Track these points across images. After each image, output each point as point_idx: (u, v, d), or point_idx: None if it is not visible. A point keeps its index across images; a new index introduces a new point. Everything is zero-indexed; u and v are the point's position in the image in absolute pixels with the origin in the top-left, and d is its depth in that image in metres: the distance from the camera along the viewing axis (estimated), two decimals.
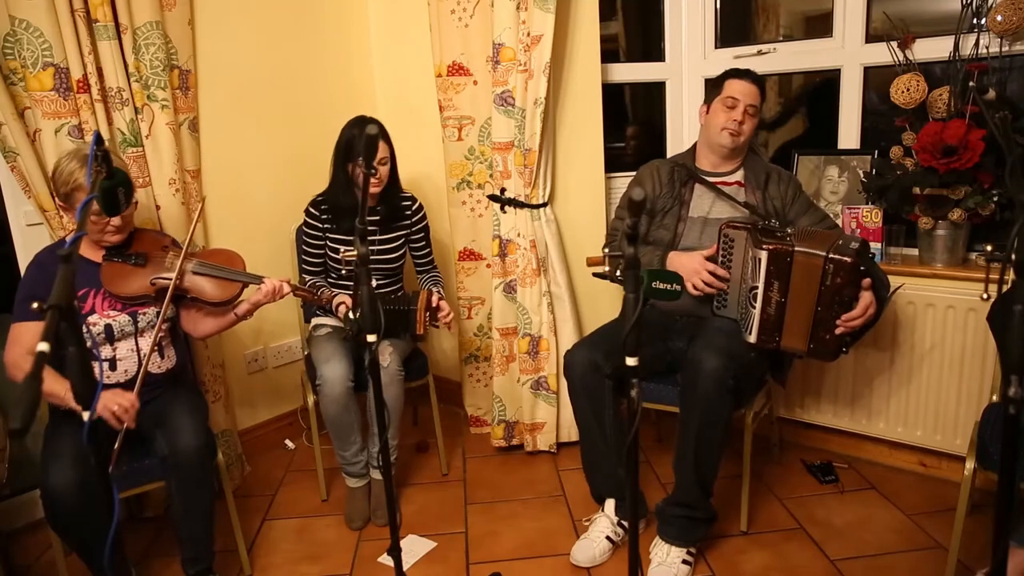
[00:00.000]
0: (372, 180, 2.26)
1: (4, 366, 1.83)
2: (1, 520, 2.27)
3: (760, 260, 1.91)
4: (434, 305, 2.27)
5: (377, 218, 2.38)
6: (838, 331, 1.89)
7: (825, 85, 2.58)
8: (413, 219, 2.48)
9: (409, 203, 2.47)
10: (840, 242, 1.87)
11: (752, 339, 1.98)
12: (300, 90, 2.84)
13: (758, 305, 1.94)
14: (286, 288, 2.05)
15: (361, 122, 2.32)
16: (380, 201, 2.38)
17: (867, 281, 1.87)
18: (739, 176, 2.20)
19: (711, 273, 2.03)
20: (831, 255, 1.84)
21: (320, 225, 2.38)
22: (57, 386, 1.71)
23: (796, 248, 1.88)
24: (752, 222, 2.02)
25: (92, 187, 1.33)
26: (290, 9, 2.79)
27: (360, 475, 2.35)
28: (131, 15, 2.18)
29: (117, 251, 1.94)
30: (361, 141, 2.25)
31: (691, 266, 2.05)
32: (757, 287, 1.94)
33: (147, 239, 2.02)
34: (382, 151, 2.27)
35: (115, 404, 1.72)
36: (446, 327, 2.34)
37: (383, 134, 2.27)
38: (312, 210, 2.39)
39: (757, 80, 2.14)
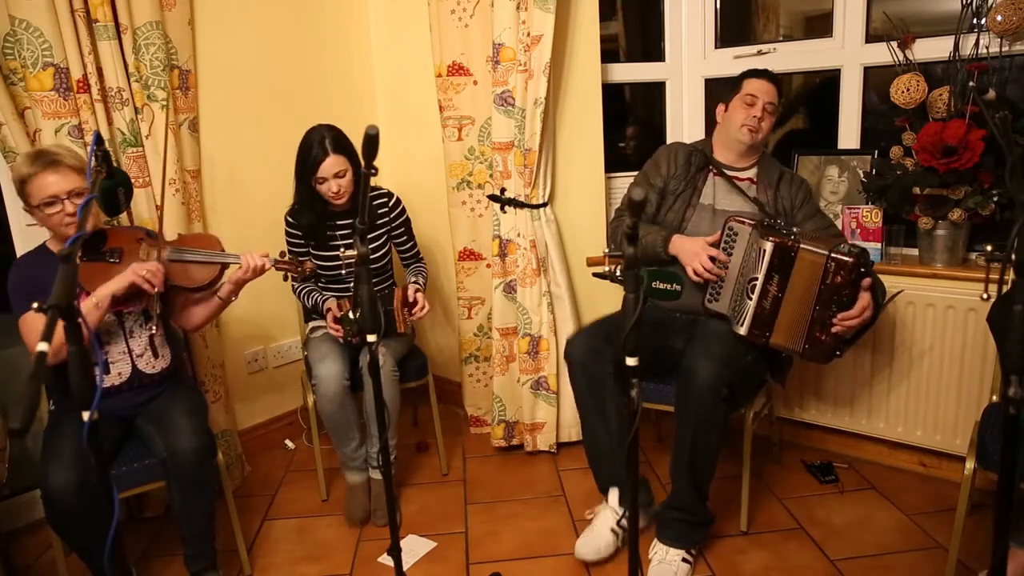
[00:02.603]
0: (331, 195, 2.24)
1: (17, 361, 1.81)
2: (1, 520, 2.27)
3: (764, 251, 1.92)
4: (411, 300, 2.28)
5: (349, 221, 2.35)
6: (834, 330, 1.90)
7: (825, 85, 2.57)
8: (392, 215, 2.44)
9: (385, 199, 2.43)
10: (842, 246, 1.89)
11: (743, 331, 1.98)
12: (300, 90, 2.84)
13: (754, 297, 1.95)
14: (265, 263, 2.01)
15: (310, 135, 2.23)
16: (350, 207, 2.34)
17: (867, 282, 1.87)
18: (752, 174, 2.21)
19: (712, 259, 2.02)
20: (833, 254, 1.86)
21: (301, 233, 2.37)
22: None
23: (801, 245, 1.90)
24: (759, 219, 2.03)
25: (92, 187, 1.34)
26: (290, 9, 2.79)
27: (360, 470, 2.35)
28: (131, 15, 2.18)
29: (93, 250, 1.88)
30: (310, 157, 2.20)
31: (692, 249, 2.06)
32: (757, 278, 1.94)
33: (121, 234, 1.97)
34: (338, 165, 2.20)
35: (143, 269, 1.79)
36: (419, 319, 2.33)
37: (335, 147, 2.19)
38: (290, 219, 2.37)
39: (775, 79, 2.16)
